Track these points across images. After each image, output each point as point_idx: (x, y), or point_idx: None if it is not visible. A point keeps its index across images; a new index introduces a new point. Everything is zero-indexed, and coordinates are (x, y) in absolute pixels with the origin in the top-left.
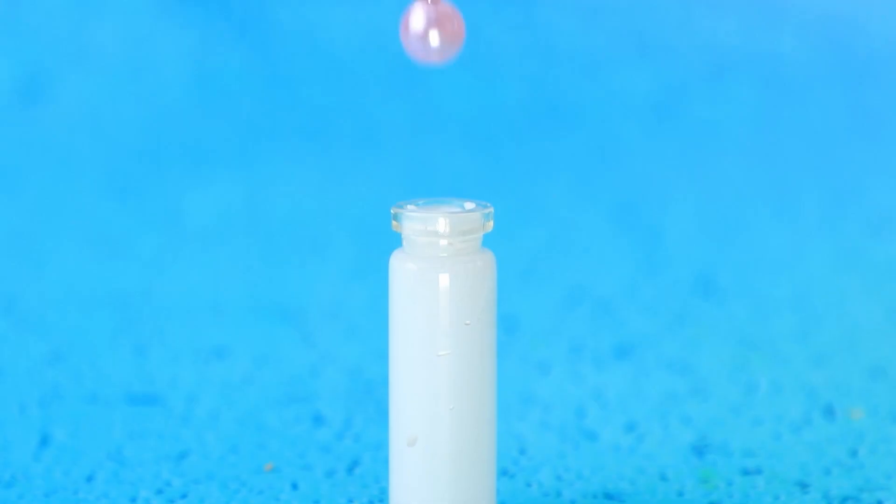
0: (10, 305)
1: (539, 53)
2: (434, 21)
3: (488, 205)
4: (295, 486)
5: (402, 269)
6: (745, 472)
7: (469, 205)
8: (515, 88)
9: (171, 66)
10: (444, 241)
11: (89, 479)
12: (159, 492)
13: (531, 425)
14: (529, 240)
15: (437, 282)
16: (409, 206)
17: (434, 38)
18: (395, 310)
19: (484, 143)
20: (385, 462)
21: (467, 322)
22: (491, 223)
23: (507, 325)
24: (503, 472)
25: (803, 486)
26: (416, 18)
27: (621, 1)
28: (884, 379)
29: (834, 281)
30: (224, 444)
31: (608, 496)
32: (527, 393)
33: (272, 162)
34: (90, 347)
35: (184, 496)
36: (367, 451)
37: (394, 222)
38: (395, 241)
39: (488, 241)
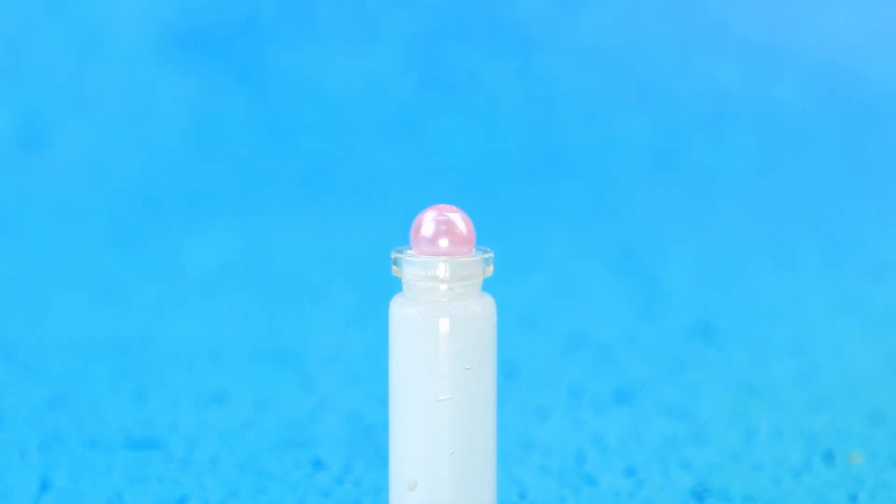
0: (11, 351)
1: (538, 100)
2: (444, 229)
3: (488, 250)
4: None
5: (403, 314)
6: None
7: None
8: (515, 134)
9: (170, 113)
10: (444, 287)
11: None
12: None
13: (531, 470)
14: (529, 285)
15: (437, 326)
16: (409, 251)
17: (443, 243)
18: (394, 354)
19: (483, 189)
20: None
21: (467, 367)
22: (491, 268)
23: (507, 370)
24: None
25: None
26: (427, 226)
27: (620, 47)
28: (883, 424)
29: (833, 326)
30: (224, 489)
31: None
32: (526, 437)
33: (272, 208)
34: (90, 392)
35: None
36: (367, 495)
37: (394, 267)
38: (396, 286)
39: (488, 286)
